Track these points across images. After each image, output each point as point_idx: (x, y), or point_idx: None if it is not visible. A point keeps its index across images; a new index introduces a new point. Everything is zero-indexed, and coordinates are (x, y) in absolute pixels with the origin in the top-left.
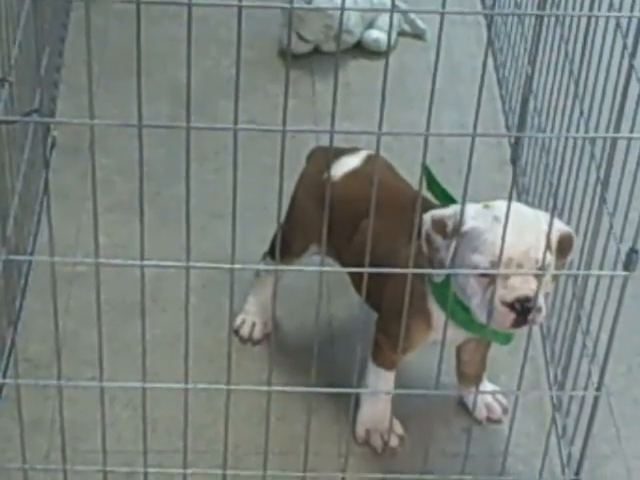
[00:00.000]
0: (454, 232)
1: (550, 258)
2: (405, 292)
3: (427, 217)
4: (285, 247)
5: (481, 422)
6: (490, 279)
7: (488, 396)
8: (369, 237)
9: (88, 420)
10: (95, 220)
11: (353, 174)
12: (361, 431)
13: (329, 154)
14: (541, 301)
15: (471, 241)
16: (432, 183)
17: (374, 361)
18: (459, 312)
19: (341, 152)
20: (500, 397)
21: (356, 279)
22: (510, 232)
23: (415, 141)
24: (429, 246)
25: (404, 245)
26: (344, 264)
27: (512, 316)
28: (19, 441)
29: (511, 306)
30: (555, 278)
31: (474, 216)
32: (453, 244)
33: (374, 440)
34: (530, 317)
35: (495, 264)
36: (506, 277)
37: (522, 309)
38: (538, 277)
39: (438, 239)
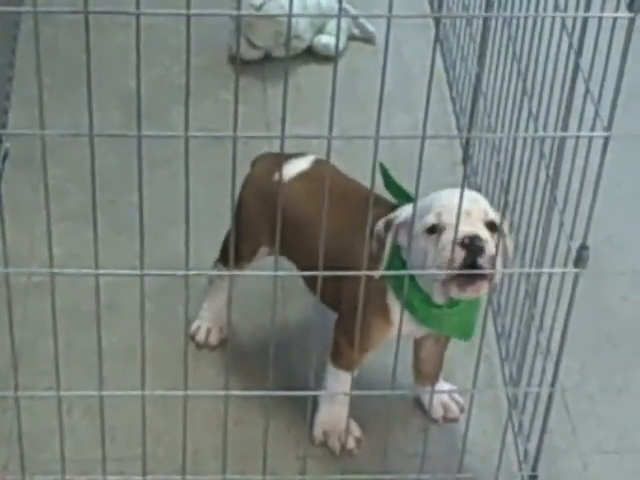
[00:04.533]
0: (390, 224)
1: (495, 216)
2: (363, 290)
3: (380, 223)
4: (235, 252)
5: (437, 421)
6: (439, 233)
7: (444, 395)
8: (322, 238)
9: (46, 429)
10: (49, 230)
11: (302, 176)
12: (318, 433)
13: (279, 157)
14: (492, 249)
15: (416, 220)
16: (389, 181)
17: (334, 363)
18: (419, 308)
19: (289, 156)
20: (456, 396)
21: (309, 279)
22: (454, 194)
23: (366, 144)
24: (378, 244)
25: (358, 243)
26: (297, 263)
27: (462, 253)
28: None
29: (461, 243)
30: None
31: (409, 208)
32: (391, 234)
33: (332, 442)
34: (481, 260)
35: (440, 215)
36: (453, 227)
37: (472, 246)
38: (488, 228)
39: (388, 236)
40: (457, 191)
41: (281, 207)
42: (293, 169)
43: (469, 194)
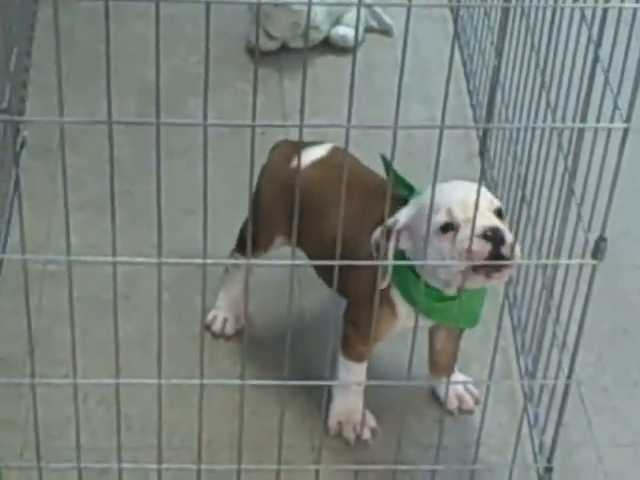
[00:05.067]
0: (390, 231)
1: (499, 203)
2: (367, 282)
3: (377, 231)
4: (252, 241)
5: (453, 413)
6: (454, 230)
7: (460, 387)
8: (339, 227)
9: (62, 417)
10: (67, 218)
11: (319, 163)
12: (333, 423)
13: (296, 145)
14: (510, 236)
15: (419, 221)
16: (390, 172)
17: (344, 354)
18: (422, 302)
19: (306, 144)
20: (472, 387)
21: (320, 268)
22: (455, 187)
23: (383, 136)
24: (378, 253)
25: (366, 234)
26: (307, 251)
27: (488, 246)
28: None
29: (484, 236)
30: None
31: (407, 211)
32: (392, 243)
33: (347, 432)
34: (504, 250)
35: (451, 212)
36: (468, 221)
37: (495, 237)
38: (496, 215)
39: (388, 244)
40: (459, 184)
41: (297, 195)
42: (309, 156)
43: (470, 186)
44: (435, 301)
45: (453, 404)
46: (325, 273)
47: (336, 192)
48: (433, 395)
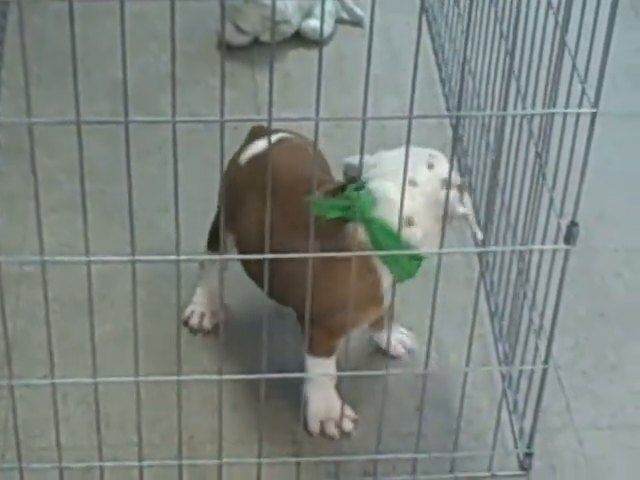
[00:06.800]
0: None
1: None
2: (332, 289)
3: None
4: (217, 236)
5: (400, 357)
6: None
7: (397, 332)
8: (311, 225)
9: (42, 418)
10: (38, 218)
11: (257, 158)
12: (315, 425)
13: (255, 135)
14: None
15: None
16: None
17: (312, 353)
18: (409, 267)
19: (261, 135)
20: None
21: (253, 271)
22: (389, 160)
23: (356, 128)
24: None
25: (297, 235)
26: (241, 253)
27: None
28: None
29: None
30: None
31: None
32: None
33: (329, 430)
34: None
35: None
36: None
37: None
38: None
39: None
40: (385, 158)
41: (236, 190)
42: (252, 150)
43: (386, 154)
44: (417, 261)
45: (397, 350)
46: (257, 276)
47: (261, 190)
48: (378, 350)
